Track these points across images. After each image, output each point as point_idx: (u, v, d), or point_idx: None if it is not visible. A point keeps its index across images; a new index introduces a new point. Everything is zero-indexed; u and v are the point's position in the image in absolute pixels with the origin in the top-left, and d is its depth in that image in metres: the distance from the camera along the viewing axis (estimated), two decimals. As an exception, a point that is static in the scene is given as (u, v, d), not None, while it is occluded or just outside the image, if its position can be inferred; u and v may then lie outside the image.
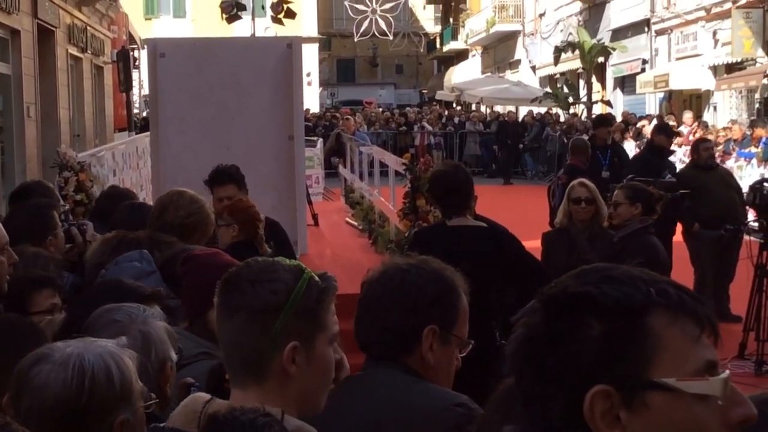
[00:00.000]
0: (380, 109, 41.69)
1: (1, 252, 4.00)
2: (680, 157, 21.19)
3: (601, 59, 33.92)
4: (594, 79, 34.94)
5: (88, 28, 22.48)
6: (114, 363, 2.29)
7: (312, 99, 41.12)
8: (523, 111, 38.00)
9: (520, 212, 21.06)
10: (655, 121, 27.23)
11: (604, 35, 34.73)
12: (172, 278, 4.07)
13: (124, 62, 23.50)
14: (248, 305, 2.28)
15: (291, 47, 10.83)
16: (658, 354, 1.45)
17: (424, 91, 64.69)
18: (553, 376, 1.47)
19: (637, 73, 32.30)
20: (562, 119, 33.29)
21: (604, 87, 36.17)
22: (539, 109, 34.86)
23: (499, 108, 40.25)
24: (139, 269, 4.29)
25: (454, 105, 47.01)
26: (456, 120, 35.31)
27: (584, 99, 33.93)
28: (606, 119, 13.04)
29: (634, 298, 1.46)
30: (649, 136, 24.55)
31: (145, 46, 11.71)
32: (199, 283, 3.50)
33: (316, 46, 45.68)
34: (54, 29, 18.86)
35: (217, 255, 3.93)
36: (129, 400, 2.30)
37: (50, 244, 5.26)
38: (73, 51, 21.01)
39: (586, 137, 13.39)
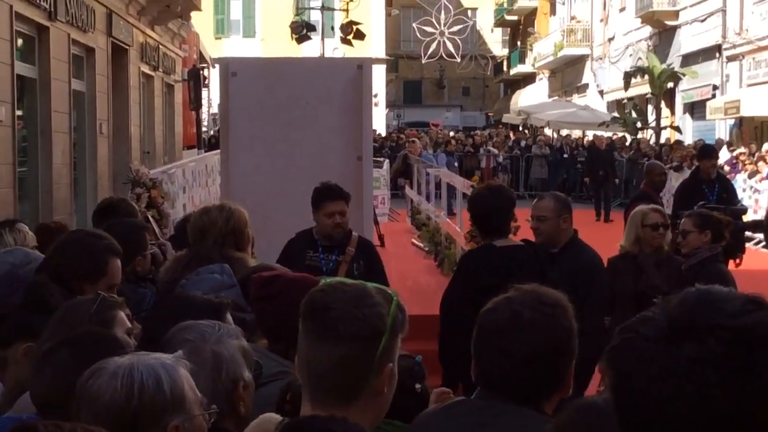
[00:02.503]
0: (447, 132, 41.74)
1: (110, 289, 4.15)
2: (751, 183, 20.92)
3: (670, 84, 33.64)
4: (663, 104, 34.64)
5: (160, 46, 22.79)
6: (165, 371, 2.36)
7: (378, 120, 41.26)
8: (589, 136, 37.78)
9: (585, 236, 20.91)
10: (725, 148, 26.93)
11: (674, 60, 34.46)
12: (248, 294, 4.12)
13: (195, 81, 23.78)
14: (353, 332, 2.30)
15: (361, 68, 10.85)
16: None
17: (490, 113, 64.62)
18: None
19: (708, 99, 31.97)
20: (628, 144, 33.00)
21: (673, 112, 35.86)
22: (605, 134, 34.57)
23: (565, 131, 40.08)
24: (220, 281, 4.35)
25: (520, 128, 46.91)
26: (522, 143, 35.21)
27: (653, 124, 33.63)
28: (710, 150, 11.64)
29: None
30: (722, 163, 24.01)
31: (216, 65, 11.83)
32: (295, 305, 3.53)
33: (383, 67, 45.77)
34: (127, 47, 19.15)
35: (310, 278, 3.95)
36: (181, 406, 2.36)
37: (138, 264, 5.39)
38: (145, 69, 21.31)
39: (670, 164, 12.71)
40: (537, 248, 6.03)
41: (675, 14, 35.52)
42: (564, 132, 39.96)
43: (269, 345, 3.66)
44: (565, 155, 32.92)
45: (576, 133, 39.56)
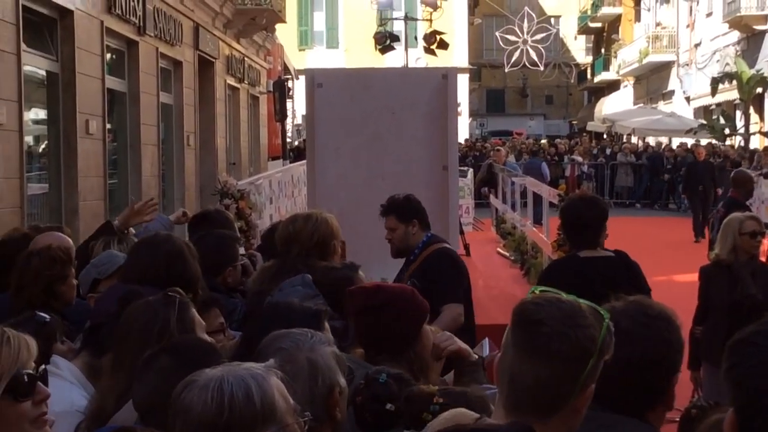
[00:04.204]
0: (531, 140, 41.52)
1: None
2: None
3: (759, 90, 33.04)
4: (752, 110, 34.03)
5: (246, 59, 23.05)
6: (255, 382, 2.35)
7: (462, 129, 41.16)
8: (675, 143, 37.27)
9: (674, 245, 20.63)
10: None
11: (763, 65, 33.82)
12: (338, 302, 4.15)
13: (280, 92, 23.97)
14: (563, 352, 2.28)
15: (446, 78, 10.84)
16: None
17: (573, 122, 64.13)
18: None
19: (798, 105, 31.35)
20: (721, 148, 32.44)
21: (762, 118, 35.18)
22: (690, 141, 34.03)
23: (650, 139, 39.57)
24: (303, 293, 4.38)
25: (605, 136, 46.46)
26: (607, 151, 34.85)
27: (741, 130, 33.04)
28: None
29: None
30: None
31: (299, 77, 11.90)
32: (401, 316, 3.57)
33: (466, 76, 45.74)
34: (213, 60, 19.40)
35: (407, 288, 3.98)
36: (272, 416, 2.35)
37: (228, 275, 5.43)
38: (231, 81, 21.56)
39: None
40: (627, 258, 5.96)
41: (764, 18, 34.85)
42: (649, 139, 39.47)
43: (366, 356, 3.66)
44: (664, 165, 32.09)
45: (662, 141, 39.05)
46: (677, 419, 5.93)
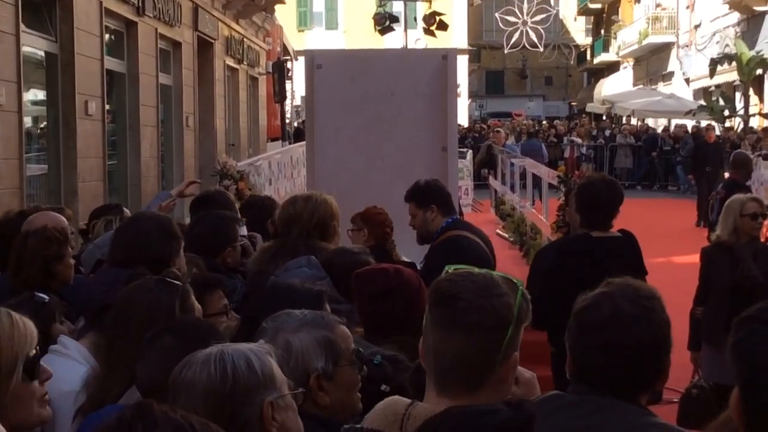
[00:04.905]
0: (529, 121, 41.47)
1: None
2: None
3: (759, 71, 32.98)
4: (751, 91, 33.98)
5: (245, 40, 22.98)
6: (253, 354, 2.41)
7: (461, 111, 41.09)
8: (674, 124, 37.24)
9: (674, 226, 20.64)
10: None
11: (763, 47, 33.74)
12: (343, 283, 4.14)
13: (280, 73, 23.90)
14: (482, 322, 2.31)
15: (446, 59, 10.81)
16: None
17: (573, 103, 64.07)
18: None
19: (798, 86, 31.30)
20: (717, 132, 32.39)
21: (762, 100, 35.15)
22: (687, 122, 33.98)
23: (650, 121, 39.51)
24: (309, 274, 4.37)
25: (604, 117, 46.43)
26: (607, 132, 34.80)
27: (741, 112, 32.99)
28: None
29: None
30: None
31: (299, 58, 11.87)
32: (411, 303, 3.57)
33: (465, 57, 45.58)
34: (213, 41, 19.34)
35: (417, 276, 4.00)
36: (273, 384, 2.40)
37: (228, 255, 5.43)
38: (230, 62, 21.50)
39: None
40: (633, 239, 6.03)
41: (764, -1, 34.81)
42: (649, 121, 39.42)
43: (371, 340, 3.64)
44: (658, 147, 32.08)
45: (661, 122, 39.00)
46: (675, 400, 5.93)
